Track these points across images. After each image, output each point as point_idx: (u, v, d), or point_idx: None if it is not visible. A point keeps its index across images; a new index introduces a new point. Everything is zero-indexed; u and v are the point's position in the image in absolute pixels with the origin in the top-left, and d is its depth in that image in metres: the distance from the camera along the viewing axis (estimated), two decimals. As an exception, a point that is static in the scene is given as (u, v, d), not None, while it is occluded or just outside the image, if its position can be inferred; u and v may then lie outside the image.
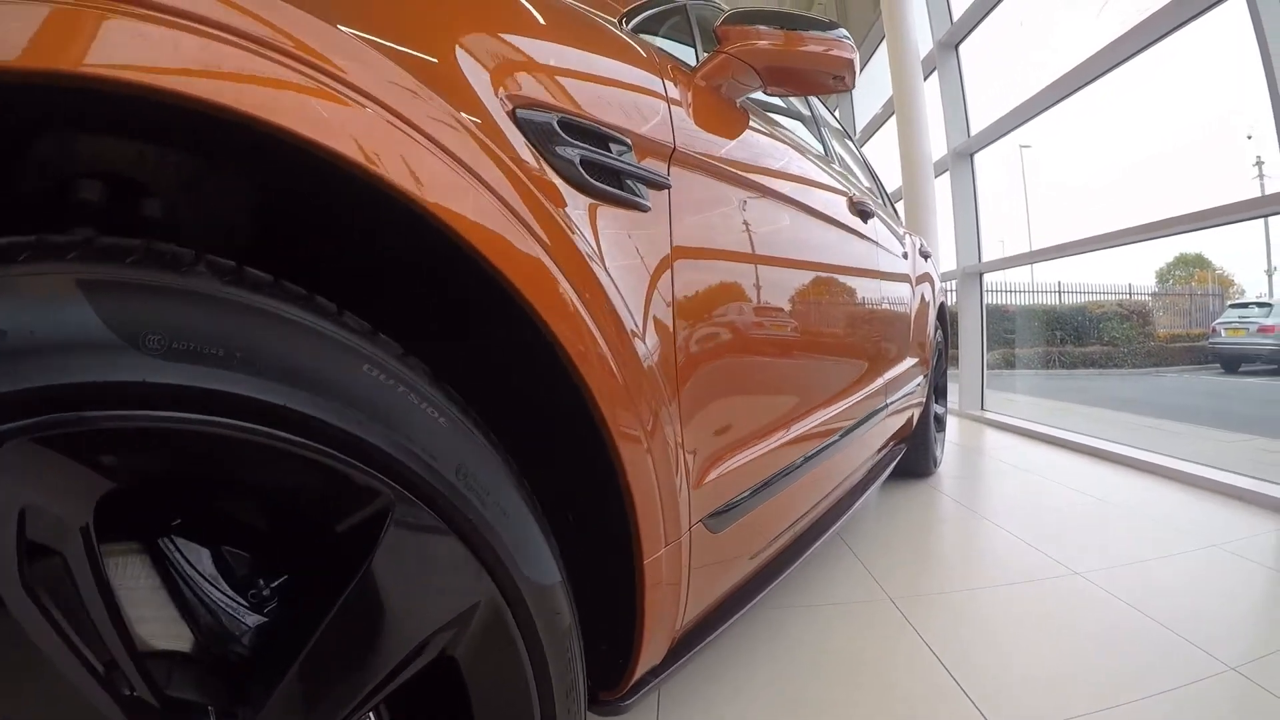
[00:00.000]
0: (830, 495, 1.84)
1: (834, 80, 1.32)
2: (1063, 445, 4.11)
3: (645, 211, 0.90)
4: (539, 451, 0.83)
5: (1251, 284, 13.57)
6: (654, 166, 0.94)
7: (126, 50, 0.44)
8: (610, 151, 0.85)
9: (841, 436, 1.78)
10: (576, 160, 0.78)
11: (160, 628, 0.52)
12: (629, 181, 0.88)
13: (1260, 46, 2.68)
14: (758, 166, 1.31)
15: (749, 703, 1.38)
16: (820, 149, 2.11)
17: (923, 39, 6.07)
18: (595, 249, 0.79)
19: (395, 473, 0.56)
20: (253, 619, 0.56)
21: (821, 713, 1.34)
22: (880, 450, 2.48)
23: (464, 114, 0.65)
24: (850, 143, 3.04)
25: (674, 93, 1.05)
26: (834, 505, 1.92)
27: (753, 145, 1.32)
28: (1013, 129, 5.09)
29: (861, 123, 9.17)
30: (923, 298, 3.04)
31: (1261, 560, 2.11)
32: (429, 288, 0.77)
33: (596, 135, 0.83)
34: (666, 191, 0.96)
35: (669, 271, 0.95)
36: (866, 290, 2.07)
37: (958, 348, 5.50)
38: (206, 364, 0.47)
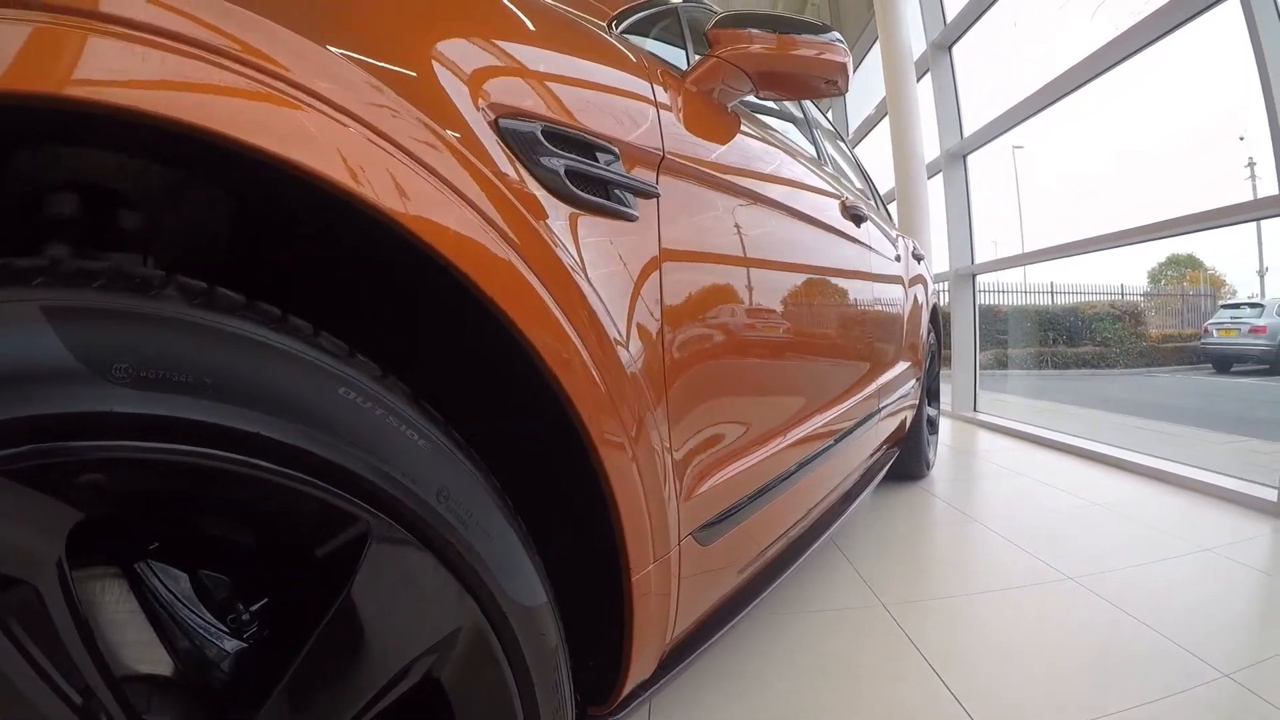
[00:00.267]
0: (823, 502, 1.83)
1: (826, 84, 1.30)
2: (1055, 447, 4.11)
3: (633, 221, 0.88)
4: (524, 470, 0.81)
5: (1243, 283, 13.64)
6: (642, 175, 0.92)
7: (100, 70, 0.43)
8: (597, 161, 0.83)
9: (835, 443, 1.76)
10: (561, 171, 0.76)
11: (137, 653, 0.50)
12: (616, 191, 0.86)
13: (1255, 49, 2.67)
14: (749, 172, 1.29)
15: (741, 712, 1.36)
16: (813, 152, 2.10)
17: (916, 40, 6.07)
18: (580, 261, 0.77)
19: (373, 498, 0.55)
20: (232, 644, 0.55)
21: (814, 724, 1.33)
22: (874, 454, 2.47)
23: (443, 126, 0.63)
24: (843, 144, 3.02)
25: (663, 98, 1.03)
26: (827, 511, 1.91)
27: (744, 150, 1.30)
28: (1006, 130, 5.09)
29: (854, 124, 9.17)
30: (915, 300, 3.03)
31: (1255, 564, 2.11)
32: (409, 303, 0.75)
33: (582, 144, 0.81)
34: (655, 200, 0.94)
35: (657, 283, 0.93)
36: (859, 295, 2.06)
37: (950, 348, 5.49)
38: (176, 392, 0.45)
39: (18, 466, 0.40)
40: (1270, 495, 2.69)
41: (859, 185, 2.84)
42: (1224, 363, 10.38)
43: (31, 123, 0.48)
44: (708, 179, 1.12)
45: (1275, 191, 2.62)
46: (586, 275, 0.78)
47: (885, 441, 2.63)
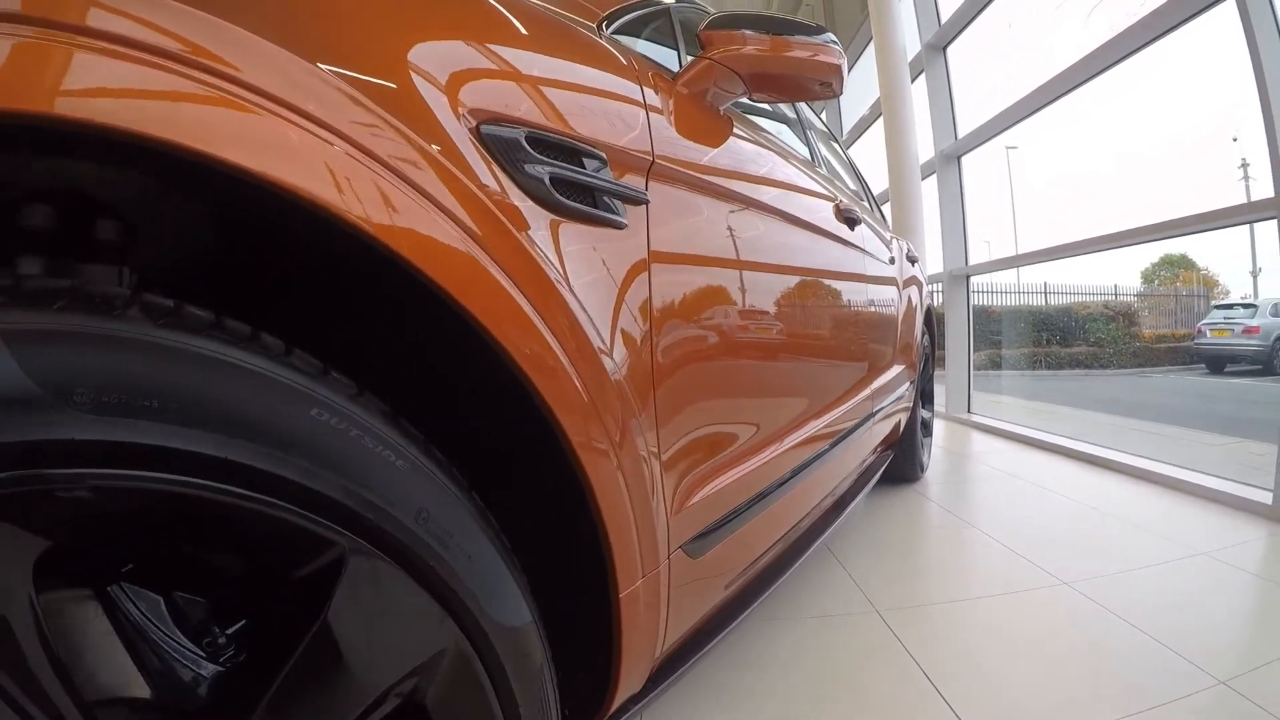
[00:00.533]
0: (817, 508, 1.82)
1: (821, 86, 1.28)
2: (1050, 449, 4.10)
3: (621, 229, 0.86)
4: (510, 487, 0.80)
5: (1236, 284, 13.68)
6: (631, 180, 0.90)
7: (55, 82, 0.41)
8: (584, 166, 0.80)
9: (829, 448, 1.75)
10: (545, 178, 0.74)
11: (111, 677, 0.48)
12: (604, 198, 0.84)
13: (1251, 51, 2.67)
14: (741, 176, 1.27)
15: (733, 723, 1.35)
16: (806, 154, 2.08)
17: (911, 41, 6.06)
18: (564, 272, 0.75)
19: (348, 521, 0.53)
20: (209, 668, 0.53)
21: (807, 735, 1.32)
22: (868, 458, 2.46)
23: (420, 132, 0.61)
24: (837, 145, 3.01)
25: (654, 101, 1.01)
26: (821, 517, 1.89)
27: (736, 154, 1.28)
28: (1000, 131, 5.08)
29: (849, 124, 9.16)
30: (909, 302, 3.02)
31: (1250, 568, 2.10)
32: (388, 316, 0.73)
33: (568, 150, 0.79)
34: (644, 206, 0.92)
35: (646, 292, 0.91)
36: (853, 299, 2.05)
37: (944, 348, 5.49)
38: (140, 417, 0.44)
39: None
40: (1265, 498, 2.68)
41: (853, 187, 2.82)
42: (1217, 363, 10.40)
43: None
44: (699, 184, 1.10)
45: (1271, 194, 2.62)
46: (571, 286, 0.75)
47: (880, 445, 2.62)
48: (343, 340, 0.71)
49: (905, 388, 2.86)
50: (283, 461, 0.50)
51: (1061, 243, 4.30)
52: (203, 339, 0.48)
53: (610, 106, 0.91)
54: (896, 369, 2.69)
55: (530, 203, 0.72)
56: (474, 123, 0.68)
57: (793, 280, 1.51)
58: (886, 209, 5.53)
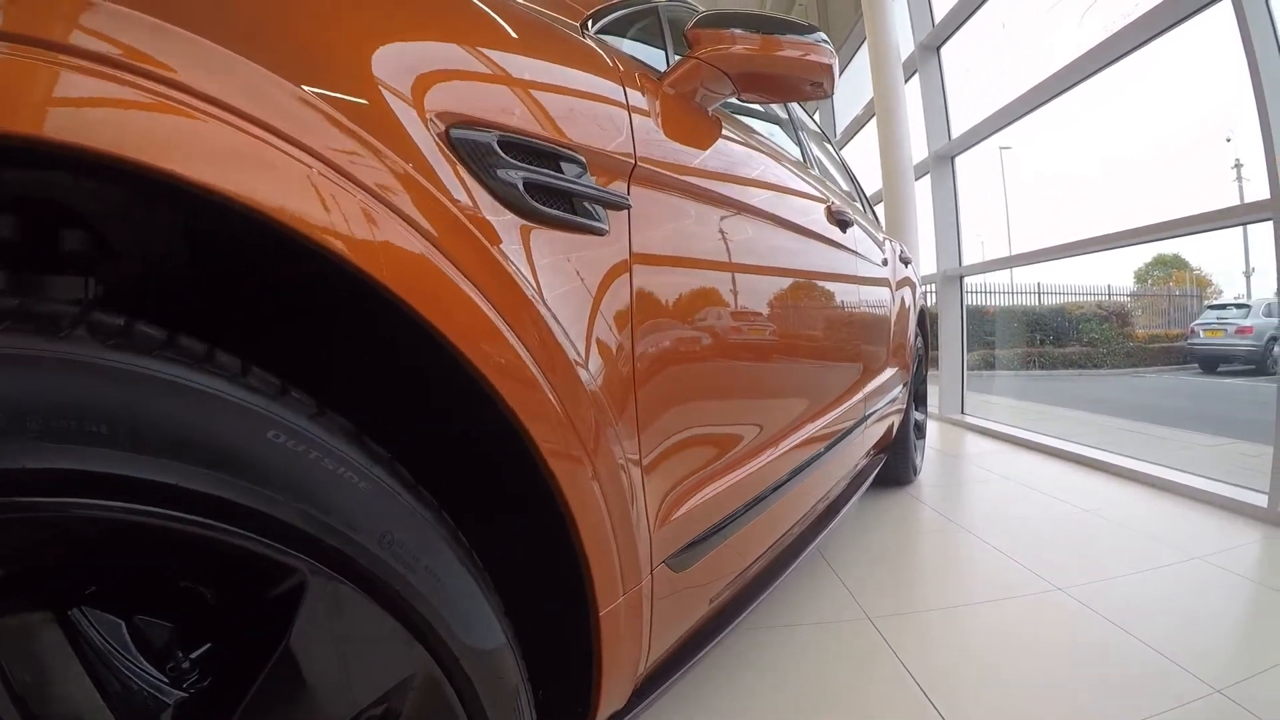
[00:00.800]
0: (808, 515, 1.79)
1: (812, 86, 1.26)
2: (1043, 451, 4.09)
3: (602, 235, 0.83)
4: (481, 505, 0.77)
5: (1228, 284, 13.72)
6: (611, 185, 0.87)
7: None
8: (561, 171, 0.77)
9: (820, 454, 1.73)
10: (519, 183, 0.71)
11: (70, 703, 0.46)
12: (584, 204, 0.81)
13: (1247, 52, 2.66)
14: (729, 178, 1.24)
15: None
16: (798, 155, 2.05)
17: (904, 41, 6.05)
18: (537, 283, 0.71)
19: (308, 547, 0.51)
20: (172, 694, 0.50)
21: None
22: (860, 462, 2.43)
23: (384, 138, 0.58)
24: (829, 146, 2.99)
25: (638, 102, 0.98)
26: (812, 523, 1.87)
27: (724, 156, 1.25)
28: (994, 132, 5.07)
29: (842, 125, 9.15)
30: (902, 304, 3.00)
31: (1245, 573, 2.09)
32: (351, 330, 0.70)
33: (544, 154, 0.76)
34: (626, 211, 0.89)
35: (628, 300, 0.88)
36: (845, 303, 2.02)
37: (938, 349, 5.49)
38: (90, 443, 0.41)
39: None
40: (1260, 501, 2.67)
41: (845, 188, 2.80)
42: (1210, 363, 10.43)
43: None
44: (685, 187, 1.07)
45: (1267, 195, 2.61)
46: (546, 295, 0.72)
47: (872, 448, 2.60)
48: (307, 355, 0.68)
49: (898, 390, 2.84)
50: (237, 487, 0.47)
51: (1056, 244, 4.29)
52: (154, 360, 0.46)
53: (590, 108, 0.88)
54: (889, 372, 2.67)
55: (503, 209, 0.69)
56: (442, 127, 0.64)
57: (782, 284, 1.48)
58: (880, 209, 5.53)
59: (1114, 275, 14.43)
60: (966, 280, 5.60)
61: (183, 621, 0.52)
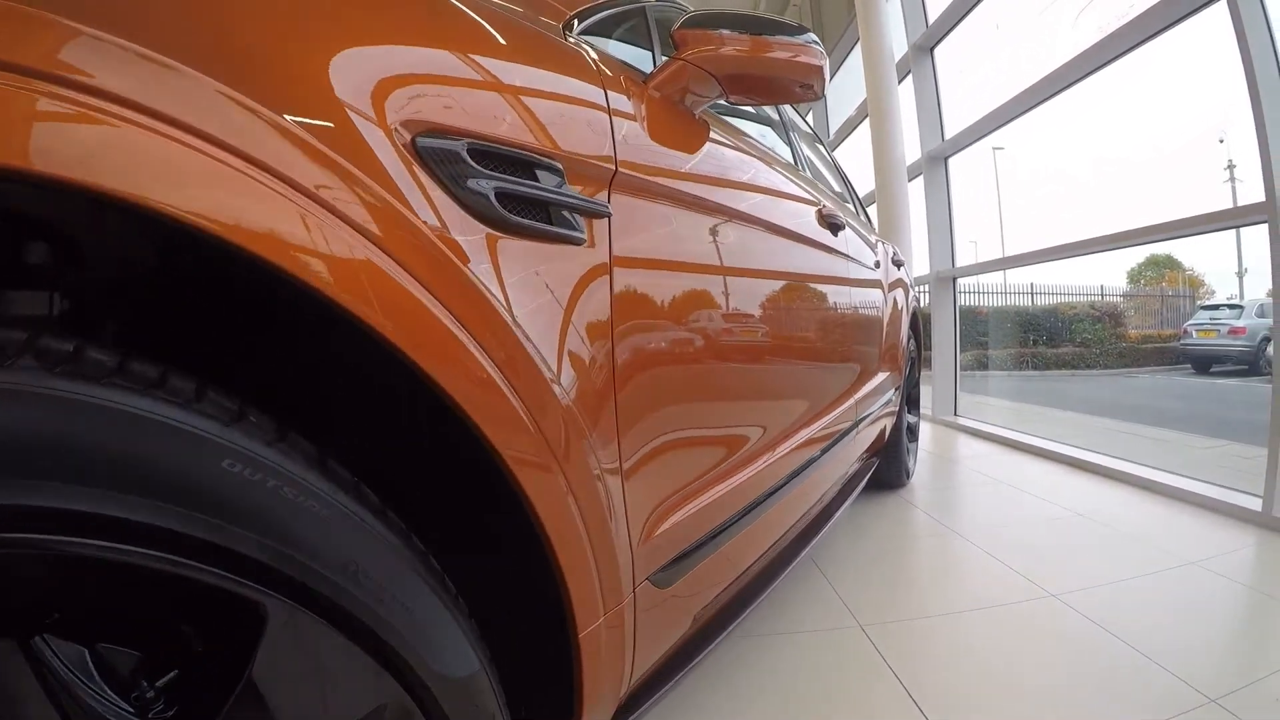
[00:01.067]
0: (799, 523, 1.77)
1: (802, 88, 1.22)
2: (1036, 453, 4.08)
3: (579, 245, 0.80)
4: (456, 529, 0.75)
5: (1220, 284, 13.76)
6: (590, 192, 0.84)
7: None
8: (536, 180, 0.74)
9: (811, 462, 1.70)
10: (490, 193, 0.67)
11: None
12: (563, 213, 0.78)
13: (1242, 54, 2.65)
14: (716, 183, 1.22)
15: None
16: (789, 158, 2.03)
17: (898, 42, 6.04)
18: (508, 297, 0.68)
19: (268, 579, 0.49)
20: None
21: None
22: (852, 466, 2.41)
23: (344, 148, 0.55)
24: (821, 147, 2.97)
25: (621, 105, 0.95)
26: (803, 530, 1.84)
27: (711, 160, 1.22)
28: (987, 133, 5.06)
29: (835, 125, 9.14)
30: (895, 306, 2.99)
31: (1240, 579, 2.07)
32: (311, 351, 0.67)
33: (517, 161, 0.73)
34: (606, 220, 0.86)
35: (608, 311, 0.85)
36: (836, 309, 2.00)
37: (931, 349, 5.48)
38: (33, 477, 0.40)
39: None
40: (1254, 504, 2.66)
41: (837, 189, 2.78)
42: (1203, 364, 10.45)
43: None
44: (669, 193, 1.04)
45: (1261, 198, 2.59)
46: (519, 310, 0.69)
47: (864, 452, 2.58)
48: (270, 375, 0.65)
49: (891, 394, 2.82)
50: (189, 520, 0.45)
51: (1049, 246, 4.28)
52: (103, 388, 0.43)
53: (568, 112, 0.85)
54: (882, 375, 2.65)
55: (473, 221, 0.66)
56: (408, 136, 0.61)
57: (771, 291, 1.46)
58: (873, 210, 5.52)
59: (1107, 275, 14.47)
60: (959, 281, 5.59)
61: (146, 650, 0.50)
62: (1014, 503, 3.04)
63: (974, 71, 5.84)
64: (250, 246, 0.47)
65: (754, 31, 1.14)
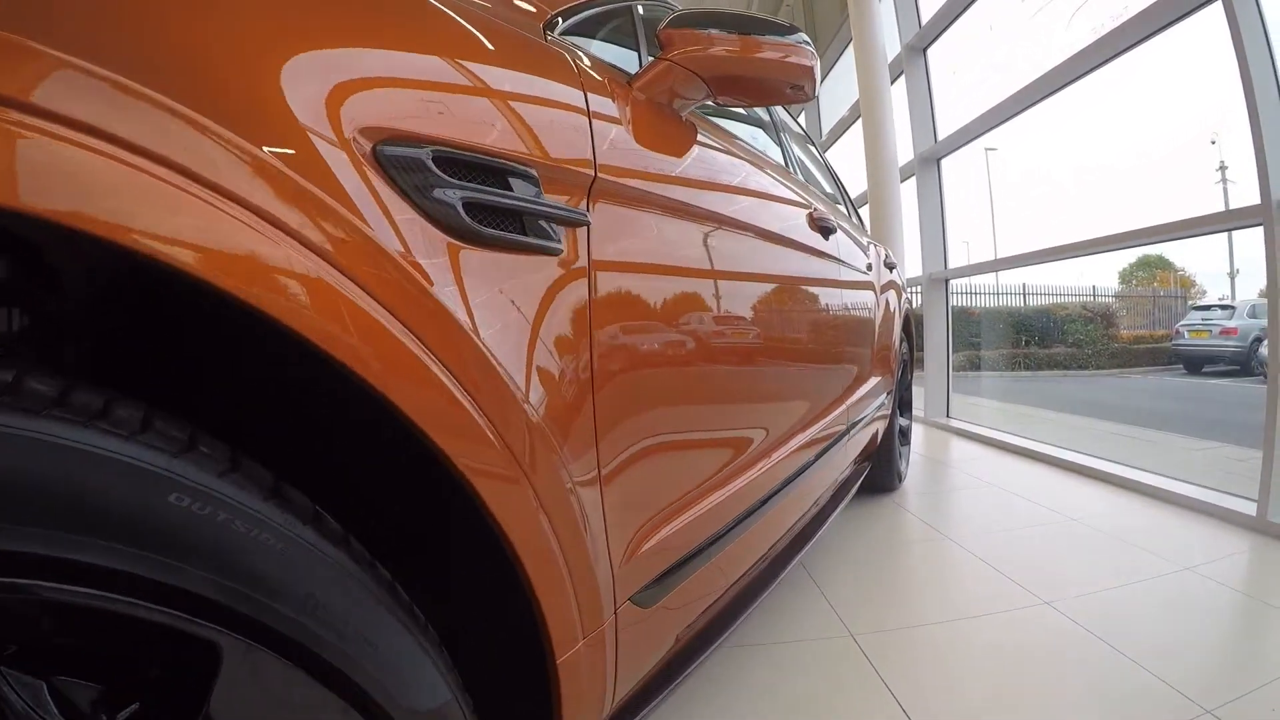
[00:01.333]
0: (789, 533, 1.74)
1: (792, 90, 1.19)
2: (1029, 456, 4.06)
3: (556, 255, 0.77)
4: (424, 553, 0.72)
5: (1212, 284, 13.81)
6: (567, 200, 0.80)
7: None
8: (509, 188, 0.70)
9: (801, 471, 1.67)
10: (458, 203, 0.64)
11: None
12: (540, 222, 0.74)
13: (1237, 54, 2.64)
14: (703, 187, 1.19)
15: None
16: (780, 160, 2.00)
17: (891, 42, 6.03)
18: (477, 313, 0.64)
19: (221, 617, 0.46)
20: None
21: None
22: (844, 473, 2.39)
23: (296, 160, 0.51)
24: (813, 148, 2.94)
25: (603, 108, 0.92)
26: (793, 539, 1.81)
27: (699, 164, 1.19)
28: (981, 134, 5.05)
29: (828, 125, 9.12)
30: (887, 309, 2.96)
31: (1236, 585, 2.06)
32: (271, 377, 0.63)
33: (487, 169, 0.69)
34: (585, 228, 0.82)
35: (586, 324, 0.82)
36: (827, 314, 1.97)
37: (924, 351, 5.47)
38: None
39: None
40: (1248, 508, 2.64)
41: (829, 191, 2.76)
42: (1195, 364, 10.50)
43: None
44: (652, 199, 1.01)
45: (1256, 201, 2.58)
46: (489, 326, 0.66)
47: (857, 457, 2.55)
48: (224, 401, 0.62)
49: (883, 398, 2.80)
50: (135, 558, 0.43)
51: (1043, 248, 4.27)
52: (42, 420, 0.41)
53: (543, 115, 0.81)
54: (874, 380, 2.63)
55: (438, 233, 0.62)
56: (369, 144, 0.57)
57: (760, 298, 1.43)
58: (865, 211, 5.50)
59: (1099, 276, 14.52)
60: (952, 281, 5.58)
61: (106, 682, 0.47)
62: (1007, 507, 3.02)
63: (967, 72, 5.84)
64: (188, 267, 0.44)
65: (743, 31, 1.11)
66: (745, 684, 1.55)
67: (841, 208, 2.80)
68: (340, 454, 0.69)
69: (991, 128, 4.91)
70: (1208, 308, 10.76)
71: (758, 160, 1.57)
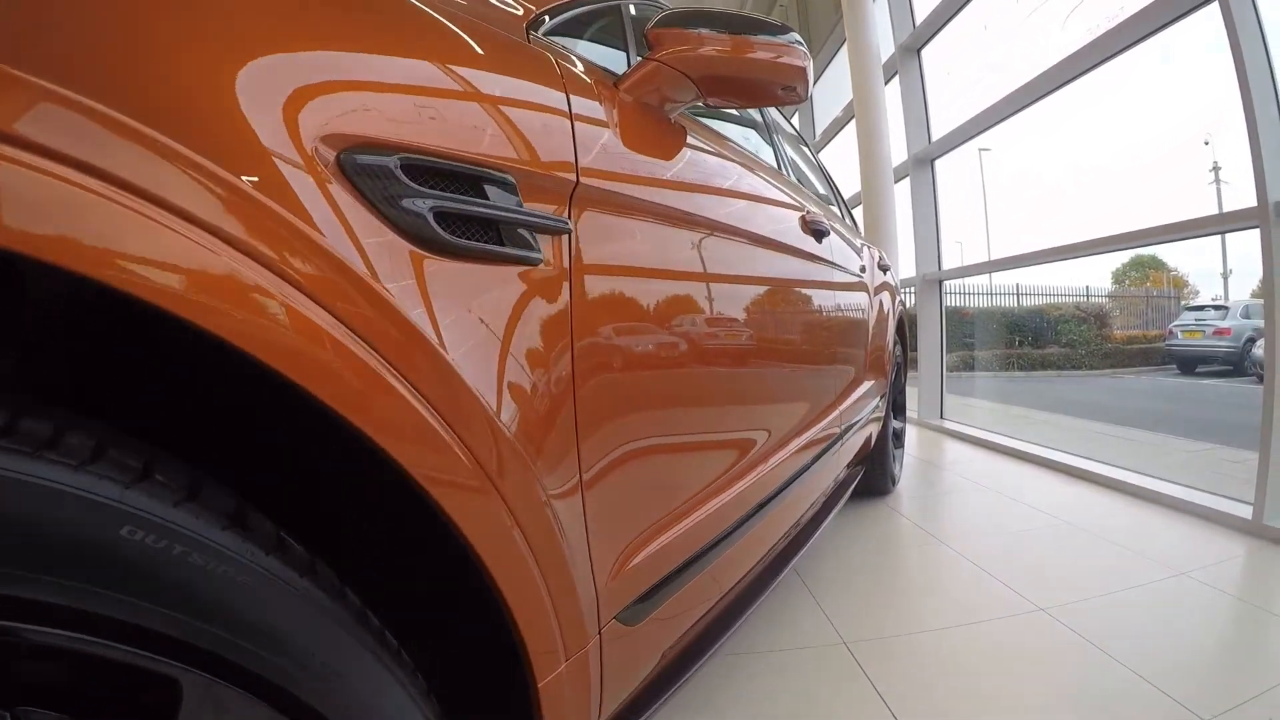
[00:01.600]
0: (781, 541, 1.72)
1: (784, 91, 1.16)
2: (1023, 458, 4.05)
3: (535, 264, 0.74)
4: (398, 580, 0.69)
5: (1204, 283, 13.85)
6: (546, 208, 0.77)
7: None
8: (484, 195, 0.67)
9: (795, 478, 1.65)
10: (428, 213, 0.60)
11: None
12: (518, 230, 0.71)
13: (1234, 57, 2.63)
14: (692, 190, 1.16)
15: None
16: (772, 162, 1.98)
17: (885, 43, 6.01)
18: (446, 330, 0.61)
19: (178, 652, 0.44)
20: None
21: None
22: (838, 475, 2.37)
23: (250, 169, 0.48)
24: (806, 149, 2.92)
25: (586, 110, 0.89)
26: (787, 545, 1.79)
27: (687, 167, 1.17)
28: (975, 135, 5.04)
29: (821, 126, 9.11)
30: (880, 311, 2.94)
31: (1231, 590, 2.04)
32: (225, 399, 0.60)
33: (459, 176, 0.66)
34: (566, 236, 0.79)
35: (567, 336, 0.78)
36: (820, 319, 1.95)
37: (917, 350, 5.46)
38: None
39: None
40: (1243, 511, 2.63)
41: (822, 192, 2.74)
42: (1189, 364, 10.52)
43: None
44: (638, 205, 0.98)
45: (1252, 203, 2.57)
46: (461, 342, 0.62)
47: (850, 462, 2.53)
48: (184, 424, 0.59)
49: (877, 401, 2.79)
50: (87, 595, 0.40)
51: (1037, 249, 4.26)
52: None
53: (521, 119, 0.77)
54: (868, 384, 2.61)
55: (407, 244, 0.59)
56: (332, 153, 0.54)
57: (752, 304, 1.41)
58: (858, 212, 5.49)
59: (1092, 276, 14.55)
60: (945, 282, 5.57)
61: (73, 712, 0.44)
62: (1000, 510, 3.00)
63: (961, 73, 5.83)
64: (125, 286, 0.41)
65: (734, 31, 1.08)
66: (737, 693, 1.53)
67: (835, 209, 2.78)
68: (309, 478, 0.66)
69: (985, 129, 4.90)
70: (1201, 308, 10.78)
71: (750, 163, 1.55)
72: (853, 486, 2.62)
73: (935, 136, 5.51)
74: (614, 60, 1.20)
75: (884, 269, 3.16)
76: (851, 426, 2.32)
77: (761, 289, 1.48)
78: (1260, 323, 2.60)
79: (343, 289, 0.52)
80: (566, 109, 0.85)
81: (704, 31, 1.05)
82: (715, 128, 1.47)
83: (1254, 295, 9.87)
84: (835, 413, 2.07)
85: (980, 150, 9.65)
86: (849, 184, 5.86)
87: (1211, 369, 10.08)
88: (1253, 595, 2.01)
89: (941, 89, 5.71)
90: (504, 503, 0.66)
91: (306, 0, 0.60)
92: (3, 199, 0.37)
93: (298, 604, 0.51)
